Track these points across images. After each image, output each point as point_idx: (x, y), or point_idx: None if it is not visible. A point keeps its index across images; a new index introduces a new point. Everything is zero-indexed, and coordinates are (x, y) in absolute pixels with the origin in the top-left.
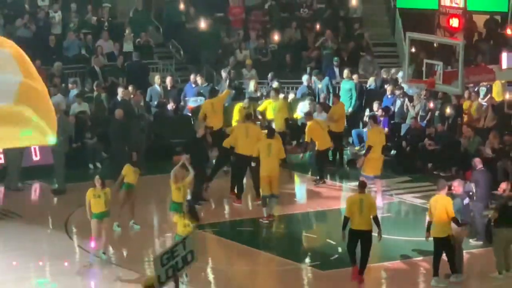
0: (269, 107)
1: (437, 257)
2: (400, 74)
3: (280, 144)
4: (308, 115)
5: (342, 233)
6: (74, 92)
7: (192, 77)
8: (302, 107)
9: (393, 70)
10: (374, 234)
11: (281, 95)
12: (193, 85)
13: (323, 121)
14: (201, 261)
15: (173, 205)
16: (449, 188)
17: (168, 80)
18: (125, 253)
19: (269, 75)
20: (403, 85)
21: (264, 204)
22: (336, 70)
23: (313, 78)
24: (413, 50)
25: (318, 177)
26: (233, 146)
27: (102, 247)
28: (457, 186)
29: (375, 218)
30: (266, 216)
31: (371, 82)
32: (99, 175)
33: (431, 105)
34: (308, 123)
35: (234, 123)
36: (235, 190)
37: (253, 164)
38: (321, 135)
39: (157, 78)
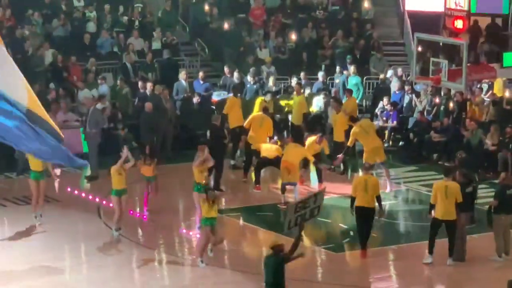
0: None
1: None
2: (399, 71)
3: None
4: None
5: (351, 210)
6: (104, 87)
7: (200, 74)
8: (317, 101)
9: (399, 68)
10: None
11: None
12: (201, 82)
13: (368, 123)
14: (225, 244)
15: (196, 185)
16: (453, 178)
17: (200, 75)
18: (154, 237)
19: (302, 74)
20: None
21: (283, 191)
22: (349, 67)
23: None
24: (420, 49)
25: (342, 169)
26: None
27: (115, 224)
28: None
29: (378, 197)
30: (284, 203)
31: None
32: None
33: (437, 100)
34: (354, 127)
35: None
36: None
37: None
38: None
39: (183, 74)
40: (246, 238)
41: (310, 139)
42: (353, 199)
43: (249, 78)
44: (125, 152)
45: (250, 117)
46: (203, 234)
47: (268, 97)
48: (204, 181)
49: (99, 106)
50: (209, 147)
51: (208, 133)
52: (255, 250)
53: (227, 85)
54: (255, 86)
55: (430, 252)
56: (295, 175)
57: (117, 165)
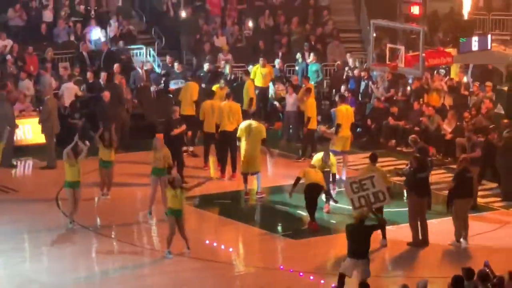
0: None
1: None
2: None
3: (261, 125)
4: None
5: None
6: (46, 78)
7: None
8: (270, 90)
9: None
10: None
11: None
12: (177, 71)
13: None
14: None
15: (153, 170)
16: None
17: (149, 65)
18: (113, 225)
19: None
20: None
21: (244, 181)
22: (306, 54)
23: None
24: (376, 35)
25: (300, 155)
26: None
27: (69, 216)
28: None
29: (388, 188)
30: (246, 192)
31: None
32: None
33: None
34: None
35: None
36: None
37: (238, 143)
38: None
39: (140, 63)
40: (205, 226)
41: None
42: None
43: (205, 66)
44: (79, 144)
45: (201, 107)
46: (168, 225)
47: (222, 83)
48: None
49: (49, 97)
50: (167, 142)
51: (163, 125)
52: (213, 238)
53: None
54: (209, 74)
55: None
56: (256, 164)
57: (70, 154)
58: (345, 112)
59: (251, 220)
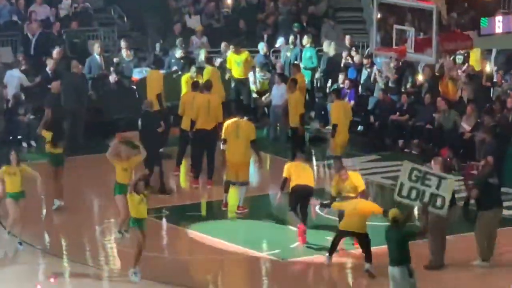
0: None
1: None
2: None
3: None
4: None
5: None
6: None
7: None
8: (252, 79)
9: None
10: None
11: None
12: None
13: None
14: (150, 250)
15: (118, 187)
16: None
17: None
18: (63, 242)
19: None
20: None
21: (226, 190)
22: (298, 37)
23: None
24: (381, 15)
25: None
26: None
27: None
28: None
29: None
30: (225, 203)
31: (330, 51)
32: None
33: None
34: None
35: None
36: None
37: (222, 147)
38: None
39: (97, 47)
40: (176, 243)
41: None
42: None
43: (177, 52)
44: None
45: (181, 100)
46: (134, 239)
47: (193, 72)
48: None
49: None
50: (142, 139)
51: (139, 122)
52: (184, 258)
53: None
54: (182, 61)
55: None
56: (245, 172)
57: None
58: (342, 109)
59: (231, 236)
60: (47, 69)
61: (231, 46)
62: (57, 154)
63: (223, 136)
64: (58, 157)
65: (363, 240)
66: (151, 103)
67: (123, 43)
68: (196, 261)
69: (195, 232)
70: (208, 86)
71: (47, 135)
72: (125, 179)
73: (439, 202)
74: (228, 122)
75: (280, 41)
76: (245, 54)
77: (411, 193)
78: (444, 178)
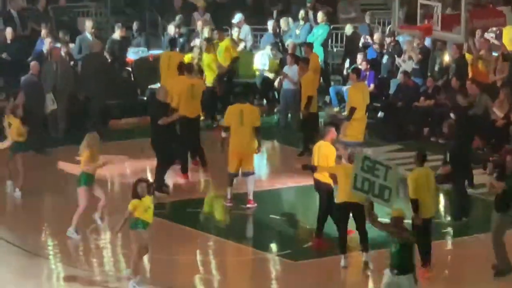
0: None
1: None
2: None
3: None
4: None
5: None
6: None
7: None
8: (262, 57)
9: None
10: None
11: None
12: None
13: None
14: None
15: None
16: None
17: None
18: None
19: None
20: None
21: (230, 183)
22: (310, 13)
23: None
24: None
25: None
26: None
27: None
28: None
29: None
30: (230, 198)
31: (348, 29)
32: None
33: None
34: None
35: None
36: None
37: (223, 135)
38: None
39: (88, 25)
40: (177, 242)
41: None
42: (415, 204)
43: (172, 29)
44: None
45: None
46: (135, 242)
47: (195, 53)
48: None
49: None
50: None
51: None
52: (186, 258)
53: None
54: (181, 40)
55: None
56: (249, 161)
57: None
58: (360, 92)
59: (238, 235)
60: (44, 48)
61: (214, 31)
62: (22, 142)
63: (225, 123)
64: (21, 144)
65: (362, 214)
66: (164, 89)
67: (117, 23)
68: (196, 263)
69: (196, 231)
70: (189, 69)
71: (14, 122)
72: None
73: (386, 194)
74: (230, 107)
75: (238, 17)
76: (226, 41)
77: (364, 184)
78: (390, 167)
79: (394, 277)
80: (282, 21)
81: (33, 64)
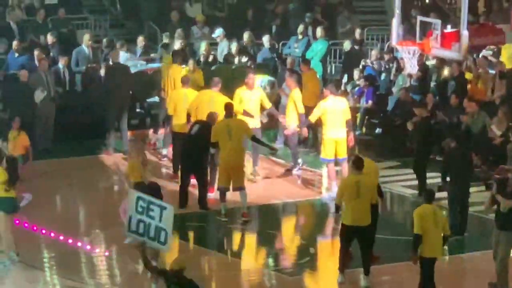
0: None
1: None
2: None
3: (242, 122)
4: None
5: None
6: None
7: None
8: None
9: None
10: None
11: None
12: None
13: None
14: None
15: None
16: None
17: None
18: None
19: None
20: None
21: (222, 199)
22: (309, 28)
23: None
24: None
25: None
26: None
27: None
28: None
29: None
30: (224, 214)
31: (346, 45)
32: None
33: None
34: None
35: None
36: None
37: (212, 151)
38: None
39: (86, 38)
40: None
41: None
42: (418, 240)
43: (177, 43)
44: None
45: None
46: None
47: (191, 65)
48: None
49: None
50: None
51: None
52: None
53: None
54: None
55: None
56: (240, 175)
57: None
58: (332, 106)
59: (233, 250)
60: (35, 61)
61: (190, 61)
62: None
63: (212, 139)
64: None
65: (371, 235)
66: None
67: (118, 43)
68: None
69: (194, 245)
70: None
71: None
72: None
73: (162, 237)
74: (217, 123)
75: (218, 32)
76: (198, 73)
77: (139, 226)
78: (165, 208)
79: None
80: (319, 31)
81: (22, 72)
